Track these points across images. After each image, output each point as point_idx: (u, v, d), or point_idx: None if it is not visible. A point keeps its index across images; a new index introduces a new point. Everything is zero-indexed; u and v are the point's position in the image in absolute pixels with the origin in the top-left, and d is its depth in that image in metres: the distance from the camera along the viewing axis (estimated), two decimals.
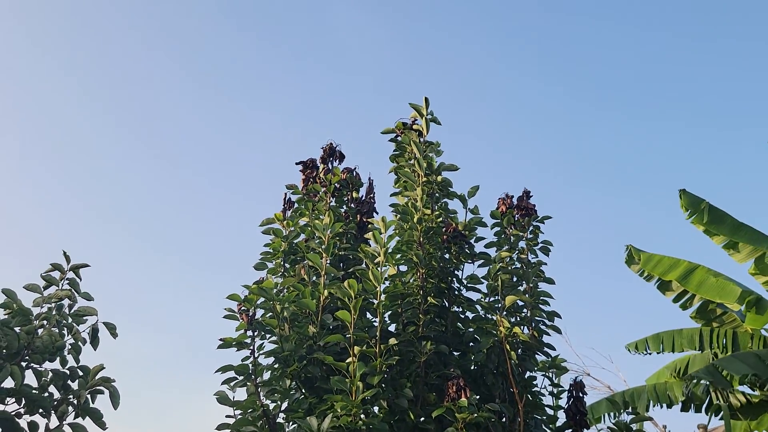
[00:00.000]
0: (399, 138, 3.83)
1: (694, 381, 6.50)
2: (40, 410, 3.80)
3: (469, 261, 3.60)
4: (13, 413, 3.73)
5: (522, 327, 3.24)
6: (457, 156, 3.92)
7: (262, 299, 3.05)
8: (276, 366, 3.02)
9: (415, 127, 3.86)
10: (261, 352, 3.01)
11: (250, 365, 2.95)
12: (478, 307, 3.45)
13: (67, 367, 4.11)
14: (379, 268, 3.11)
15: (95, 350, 4.36)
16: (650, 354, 7.92)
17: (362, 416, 2.63)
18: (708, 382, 6.03)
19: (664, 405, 7.77)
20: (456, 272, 3.53)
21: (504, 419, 3.16)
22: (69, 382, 4.09)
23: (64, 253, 4.41)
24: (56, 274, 4.33)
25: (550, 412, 3.43)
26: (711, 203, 7.80)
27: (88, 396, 3.85)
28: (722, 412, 7.14)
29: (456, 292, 3.49)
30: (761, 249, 7.56)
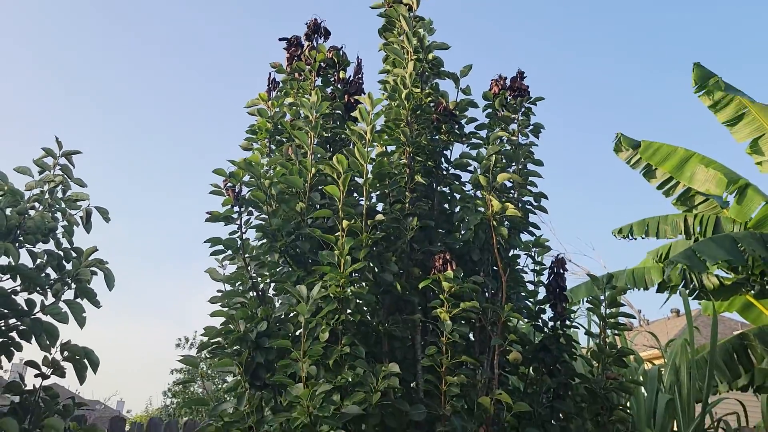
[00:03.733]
0: (387, 11, 3.66)
1: (672, 264, 6.71)
2: (37, 288, 3.90)
3: (459, 141, 3.57)
4: (9, 290, 3.83)
5: (512, 206, 3.26)
6: (450, 38, 3.74)
7: (248, 176, 3.03)
8: (264, 241, 3.05)
9: (405, 0, 3.68)
10: (249, 226, 3.03)
11: (238, 239, 2.99)
12: (468, 186, 3.46)
13: (61, 249, 4.18)
14: (366, 147, 3.07)
15: (88, 233, 4.40)
16: (634, 239, 8.11)
17: (350, 287, 2.70)
18: (686, 265, 6.22)
19: (641, 288, 8.09)
20: (445, 152, 3.51)
21: (487, 293, 3.27)
22: (63, 262, 4.17)
23: (56, 138, 4.34)
24: (49, 160, 4.29)
25: (532, 287, 3.54)
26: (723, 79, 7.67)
27: (88, 271, 3.93)
28: (695, 293, 7.46)
29: (444, 173, 3.49)
30: (764, 129, 7.52)
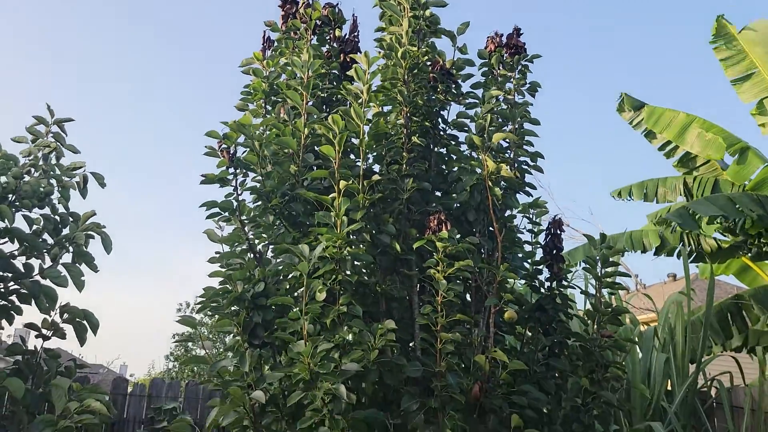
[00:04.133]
0: None
1: (666, 222, 6.72)
2: (35, 252, 3.91)
3: (456, 101, 3.53)
4: (8, 254, 3.84)
5: (507, 167, 3.24)
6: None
7: (242, 138, 3.01)
8: (259, 203, 3.05)
9: None
10: (244, 188, 3.02)
11: (234, 201, 2.98)
12: (463, 147, 3.44)
13: (57, 214, 4.18)
14: (362, 107, 3.04)
15: (84, 198, 4.39)
16: (632, 200, 8.11)
17: (347, 248, 2.71)
18: (678, 224, 6.24)
19: (639, 251, 8.14)
20: (442, 112, 3.47)
21: (483, 254, 3.28)
22: (60, 227, 4.17)
23: (48, 106, 4.31)
24: (41, 128, 4.27)
25: (528, 248, 3.55)
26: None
27: (84, 236, 3.94)
28: (693, 256, 7.50)
29: (441, 133, 3.46)
30: None
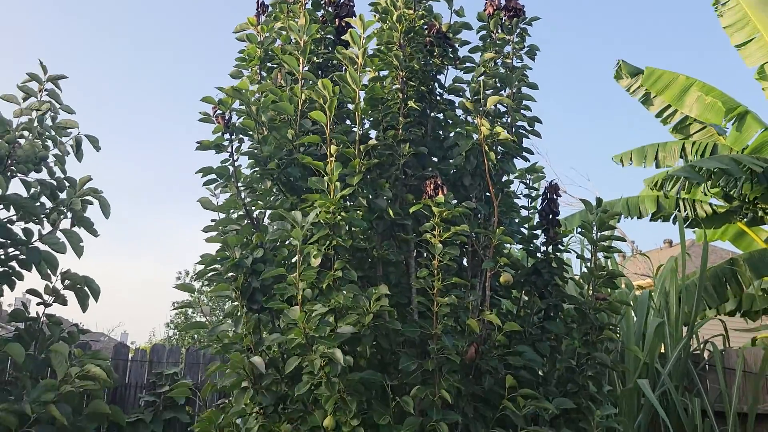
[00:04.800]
0: None
1: (672, 179, 6.72)
2: (33, 218, 3.92)
3: (453, 65, 3.50)
4: (5, 220, 3.85)
5: (503, 130, 3.23)
6: None
7: (238, 104, 2.99)
8: (256, 169, 3.04)
9: None
10: (240, 154, 3.01)
11: (230, 167, 2.98)
12: (460, 112, 3.43)
13: (53, 179, 4.16)
14: (358, 72, 3.01)
15: (80, 162, 4.36)
16: (632, 165, 8.11)
17: (342, 213, 2.71)
18: (684, 178, 6.25)
19: (635, 216, 8.17)
20: (438, 77, 3.45)
21: (480, 218, 3.29)
22: (57, 192, 4.16)
23: (41, 62, 4.20)
24: (34, 86, 4.16)
25: (525, 213, 3.56)
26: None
27: (81, 201, 3.94)
28: (689, 221, 7.53)
29: (438, 98, 3.44)
30: None
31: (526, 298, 3.43)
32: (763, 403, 4.87)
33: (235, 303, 2.89)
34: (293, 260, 2.90)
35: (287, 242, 3.04)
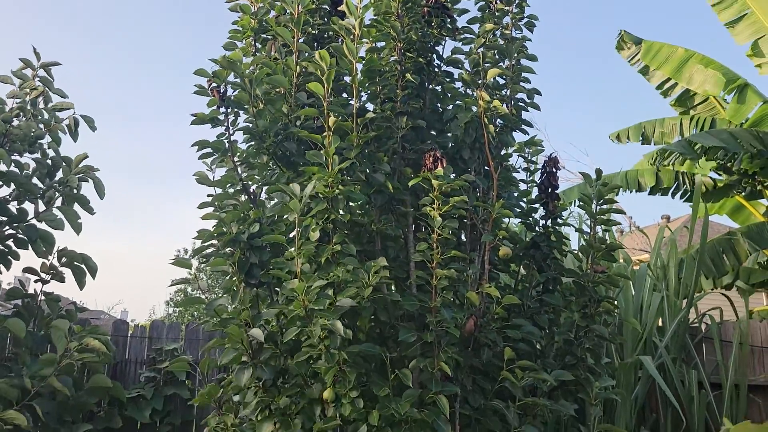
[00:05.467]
0: None
1: (667, 153, 6.69)
2: (28, 195, 3.89)
3: (451, 36, 3.44)
4: (1, 198, 3.82)
5: (502, 104, 3.20)
6: None
7: (233, 76, 2.94)
8: (252, 143, 3.01)
9: None
10: (236, 128, 2.97)
11: (226, 141, 2.94)
12: (459, 84, 3.38)
13: (49, 158, 4.13)
14: (355, 43, 2.96)
15: (75, 142, 4.34)
16: (630, 142, 8.07)
17: (340, 186, 2.69)
18: (679, 153, 6.22)
19: (634, 190, 8.15)
20: (437, 48, 3.39)
21: (479, 192, 3.27)
22: (53, 171, 4.13)
23: (34, 49, 4.20)
24: (28, 72, 4.17)
25: (524, 187, 3.54)
26: None
27: (77, 179, 3.92)
28: (687, 195, 7.52)
29: (436, 70, 3.38)
30: (765, 30, 7.30)
31: (525, 271, 3.43)
32: (760, 374, 4.91)
33: (233, 278, 2.88)
34: (291, 235, 2.88)
35: (285, 217, 3.02)
